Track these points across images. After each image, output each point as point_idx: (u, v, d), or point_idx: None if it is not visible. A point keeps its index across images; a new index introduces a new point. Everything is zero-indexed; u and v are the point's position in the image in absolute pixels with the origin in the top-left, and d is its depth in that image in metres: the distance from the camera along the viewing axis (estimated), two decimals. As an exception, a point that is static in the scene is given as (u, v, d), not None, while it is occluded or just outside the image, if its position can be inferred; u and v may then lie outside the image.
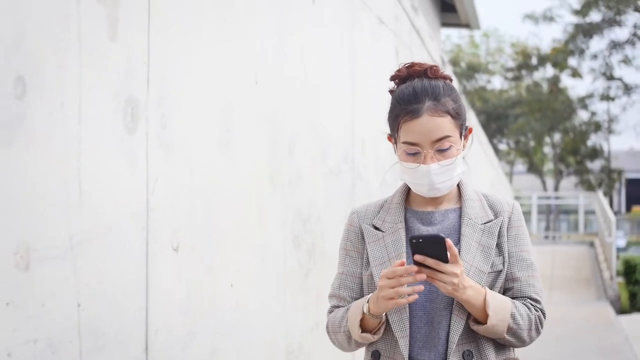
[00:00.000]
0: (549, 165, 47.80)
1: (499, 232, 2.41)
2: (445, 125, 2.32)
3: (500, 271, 2.39)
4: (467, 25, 23.44)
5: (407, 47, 6.67)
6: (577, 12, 35.53)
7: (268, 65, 3.52)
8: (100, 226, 2.28)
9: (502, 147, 46.62)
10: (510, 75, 44.02)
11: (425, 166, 2.32)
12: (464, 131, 2.41)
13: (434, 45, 8.37)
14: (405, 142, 2.34)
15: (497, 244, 2.40)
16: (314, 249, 4.08)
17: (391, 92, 2.46)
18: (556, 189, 43.65)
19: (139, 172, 2.49)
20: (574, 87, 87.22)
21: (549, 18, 36.12)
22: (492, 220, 2.42)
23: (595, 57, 36.74)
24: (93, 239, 2.25)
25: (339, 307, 2.52)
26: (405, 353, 2.34)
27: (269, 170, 3.52)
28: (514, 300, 2.37)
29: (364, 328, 2.38)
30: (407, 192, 2.51)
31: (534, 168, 45.51)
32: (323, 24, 4.34)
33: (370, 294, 2.37)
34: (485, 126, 39.89)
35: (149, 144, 2.54)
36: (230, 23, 3.14)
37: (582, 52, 36.29)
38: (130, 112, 2.43)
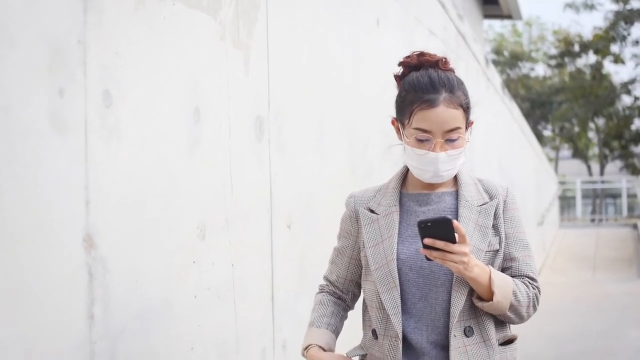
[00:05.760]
0: (594, 150, 48.04)
1: (495, 213, 2.48)
2: (457, 117, 2.40)
3: (497, 250, 2.46)
4: (508, 16, 24.03)
5: (453, 52, 7.54)
6: (617, 0, 35.95)
7: (347, 84, 4.43)
8: (243, 209, 3.20)
9: (547, 133, 47.00)
10: (553, 62, 44.33)
11: (434, 154, 2.39)
12: (468, 124, 2.48)
13: (478, 48, 9.21)
14: (417, 129, 2.40)
15: (493, 225, 2.47)
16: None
17: (397, 77, 2.56)
18: (601, 173, 43.76)
19: (265, 169, 3.40)
20: (617, 73, 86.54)
21: (589, 6, 36.54)
22: (487, 203, 2.49)
23: (637, 43, 37.14)
24: (239, 219, 3.16)
25: (322, 291, 2.80)
26: (399, 329, 2.40)
27: (349, 165, 4.44)
28: (514, 278, 2.44)
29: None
30: (404, 177, 2.62)
31: (579, 153, 45.81)
32: (386, 42, 5.22)
33: (315, 344, 2.59)
34: (530, 113, 40.43)
35: (271, 148, 3.44)
36: (321, 54, 4.04)
37: (623, 38, 36.71)
38: (259, 126, 3.34)
